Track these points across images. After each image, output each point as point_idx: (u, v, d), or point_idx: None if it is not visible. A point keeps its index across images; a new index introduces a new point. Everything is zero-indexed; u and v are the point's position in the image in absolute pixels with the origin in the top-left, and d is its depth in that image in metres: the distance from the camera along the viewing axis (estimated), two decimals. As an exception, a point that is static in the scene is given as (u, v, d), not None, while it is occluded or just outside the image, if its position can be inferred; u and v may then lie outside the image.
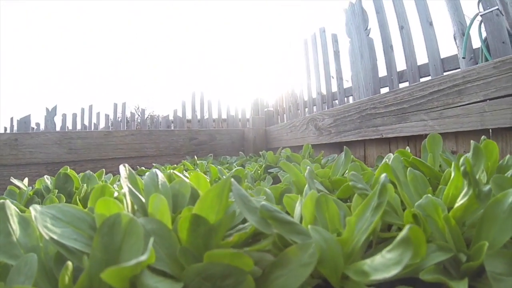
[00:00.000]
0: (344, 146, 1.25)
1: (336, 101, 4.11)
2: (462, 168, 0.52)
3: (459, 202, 0.55)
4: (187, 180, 0.77)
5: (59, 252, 0.49)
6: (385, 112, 1.72)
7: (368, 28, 3.28)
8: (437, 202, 0.58)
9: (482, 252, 0.47)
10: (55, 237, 0.45)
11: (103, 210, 0.50)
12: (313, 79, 4.54)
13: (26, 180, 1.52)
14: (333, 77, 4.20)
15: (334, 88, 4.11)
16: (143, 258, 0.34)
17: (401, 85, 2.95)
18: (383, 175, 0.54)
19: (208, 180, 0.82)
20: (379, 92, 3.09)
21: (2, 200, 0.56)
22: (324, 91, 4.32)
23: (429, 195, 0.60)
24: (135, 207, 0.58)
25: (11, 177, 1.53)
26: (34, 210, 0.48)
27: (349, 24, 3.51)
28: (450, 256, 0.50)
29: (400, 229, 0.62)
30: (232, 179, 0.53)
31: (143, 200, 0.59)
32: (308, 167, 0.86)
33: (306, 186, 0.76)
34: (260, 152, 2.69)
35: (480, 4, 2.22)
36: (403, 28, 2.89)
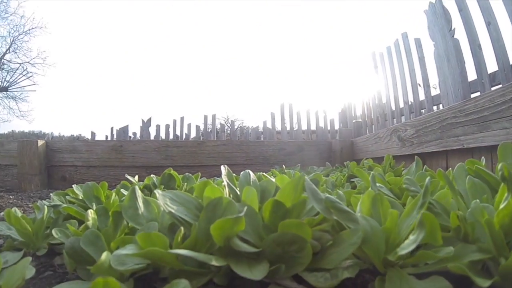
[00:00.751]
0: (416, 157, 1.32)
1: (424, 110, 3.95)
2: (500, 174, 0.60)
3: (500, 207, 0.61)
4: (273, 180, 0.95)
5: (173, 223, 0.70)
6: (465, 121, 1.69)
7: (452, 28, 3.04)
8: (483, 208, 0.65)
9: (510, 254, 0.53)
10: (172, 211, 0.66)
11: (209, 194, 0.71)
12: (399, 88, 4.42)
13: (136, 177, 1.86)
14: (420, 85, 4.03)
15: (422, 97, 3.95)
16: (241, 214, 0.52)
17: (494, 89, 2.73)
18: (427, 178, 0.64)
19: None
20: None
21: (133, 183, 0.81)
22: (411, 100, 4.18)
23: (477, 201, 0.67)
24: (231, 196, 0.77)
25: (126, 175, 1.87)
26: (158, 193, 0.70)
27: (432, 26, 3.31)
28: (486, 257, 0.56)
29: (449, 230, 0.70)
30: (306, 177, 0.69)
31: (238, 192, 0.78)
32: (372, 172, 0.97)
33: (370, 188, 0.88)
34: (345, 163, 2.76)
35: None
36: (490, 24, 2.64)
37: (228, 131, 8.65)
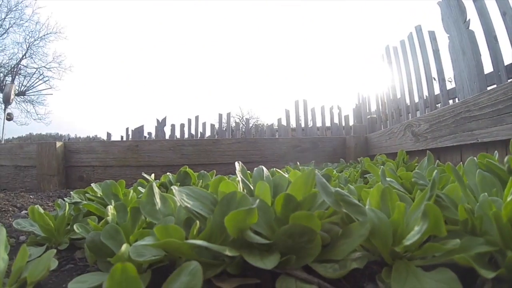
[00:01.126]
0: (428, 152, 1.31)
1: (439, 105, 3.89)
2: (506, 166, 0.60)
3: (508, 199, 0.61)
4: (286, 176, 0.98)
5: (189, 217, 0.73)
6: (479, 115, 1.67)
7: (467, 19, 2.98)
8: (491, 201, 0.65)
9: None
10: (188, 206, 0.69)
11: (224, 189, 0.74)
12: (414, 82, 4.36)
13: (153, 175, 1.89)
14: (435, 79, 3.98)
15: (437, 91, 3.90)
16: (254, 205, 0.55)
17: (510, 81, 2.64)
18: (435, 172, 0.65)
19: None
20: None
21: (150, 181, 0.85)
22: (426, 94, 4.13)
23: (485, 194, 0.67)
24: (245, 191, 0.80)
25: (143, 173, 1.91)
26: (174, 189, 0.73)
27: (446, 18, 3.24)
28: (493, 249, 0.57)
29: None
30: (316, 171, 0.71)
31: (252, 187, 0.81)
32: (382, 167, 0.99)
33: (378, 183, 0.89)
34: (359, 159, 2.76)
35: None
36: (506, 14, 2.56)
37: (243, 129, 8.69)
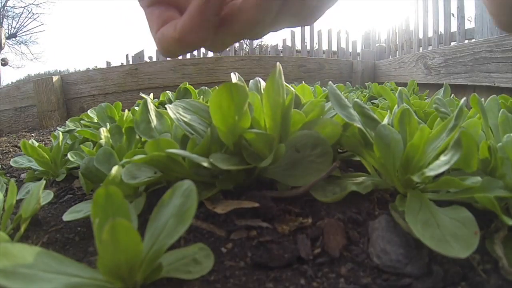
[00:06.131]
0: (444, 82, 1.22)
1: (454, 43, 3.71)
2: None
3: None
4: (293, 89, 0.88)
5: (185, 134, 0.66)
6: (501, 57, 1.56)
7: None
8: None
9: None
10: (185, 120, 0.62)
11: None
12: (430, 15, 4.13)
13: (151, 95, 1.81)
14: (453, 15, 3.76)
15: (454, 28, 3.69)
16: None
17: None
18: (463, 99, 0.57)
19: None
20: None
21: (145, 98, 0.78)
22: (442, 30, 3.93)
23: (511, 135, 0.60)
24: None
25: (141, 93, 1.80)
26: (169, 106, 0.65)
27: None
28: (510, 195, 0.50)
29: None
30: (330, 82, 0.64)
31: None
32: (400, 88, 0.91)
33: (396, 106, 0.82)
34: (366, 83, 2.68)
35: None
36: None
37: (247, 50, 8.42)
